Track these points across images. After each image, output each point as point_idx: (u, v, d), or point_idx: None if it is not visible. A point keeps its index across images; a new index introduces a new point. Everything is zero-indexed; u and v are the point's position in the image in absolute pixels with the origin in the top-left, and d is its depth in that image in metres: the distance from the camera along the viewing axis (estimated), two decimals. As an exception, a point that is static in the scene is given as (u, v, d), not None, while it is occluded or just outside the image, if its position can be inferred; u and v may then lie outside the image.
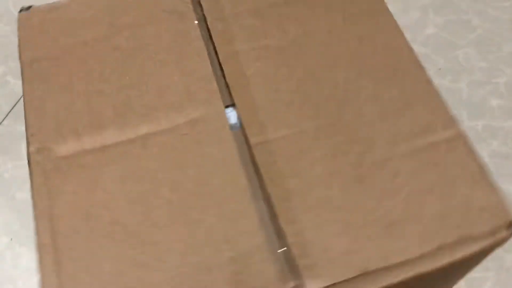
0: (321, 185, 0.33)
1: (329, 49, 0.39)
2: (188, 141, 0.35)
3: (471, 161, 0.34)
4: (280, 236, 0.32)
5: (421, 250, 0.30)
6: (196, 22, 0.40)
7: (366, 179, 0.33)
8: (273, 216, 0.32)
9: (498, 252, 0.55)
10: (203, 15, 0.41)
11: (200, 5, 0.41)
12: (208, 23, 0.40)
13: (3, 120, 0.66)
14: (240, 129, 0.36)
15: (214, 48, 0.39)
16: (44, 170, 0.34)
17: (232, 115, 0.37)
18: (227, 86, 0.38)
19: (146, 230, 0.32)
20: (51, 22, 0.41)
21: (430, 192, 0.33)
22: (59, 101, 0.37)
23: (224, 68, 0.38)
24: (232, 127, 0.36)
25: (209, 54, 0.39)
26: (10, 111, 0.66)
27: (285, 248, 0.31)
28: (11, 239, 0.59)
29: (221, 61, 0.38)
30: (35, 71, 0.39)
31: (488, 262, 0.55)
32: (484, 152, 0.62)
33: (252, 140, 0.35)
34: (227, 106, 0.37)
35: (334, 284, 0.29)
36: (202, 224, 0.32)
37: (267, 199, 0.33)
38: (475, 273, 0.54)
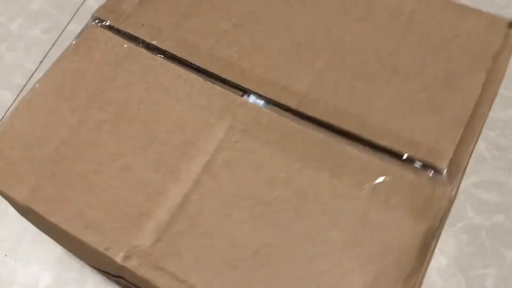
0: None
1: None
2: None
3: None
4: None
5: None
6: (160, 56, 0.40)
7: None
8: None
9: (498, 248, 0.53)
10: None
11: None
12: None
13: None
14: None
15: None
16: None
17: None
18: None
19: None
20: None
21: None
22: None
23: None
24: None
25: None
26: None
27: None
28: (6, 255, 0.58)
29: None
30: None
31: (488, 258, 0.54)
32: (481, 144, 0.61)
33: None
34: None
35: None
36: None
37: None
38: (475, 270, 0.53)
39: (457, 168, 0.33)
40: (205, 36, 0.40)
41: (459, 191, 0.32)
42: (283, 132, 0.35)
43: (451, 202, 0.32)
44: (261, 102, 0.37)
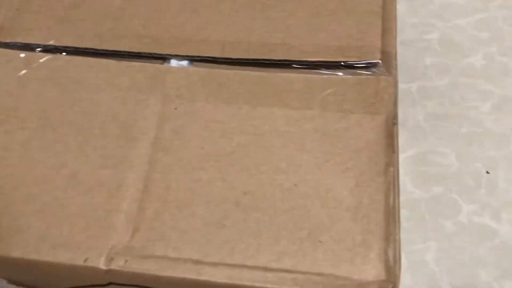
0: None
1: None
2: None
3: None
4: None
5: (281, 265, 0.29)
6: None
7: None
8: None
9: (437, 220, 0.53)
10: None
11: None
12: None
13: None
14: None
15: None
16: None
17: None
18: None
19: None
20: None
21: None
22: None
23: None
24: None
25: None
26: None
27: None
28: None
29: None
30: None
31: (428, 232, 0.52)
32: (419, 115, 0.59)
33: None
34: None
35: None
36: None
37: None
38: (415, 245, 0.52)
39: (389, 56, 0.34)
40: (101, 19, 0.37)
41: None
42: (218, 83, 0.34)
43: (396, 88, 0.33)
44: (184, 63, 0.36)
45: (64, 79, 0.35)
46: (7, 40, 0.37)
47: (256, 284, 0.28)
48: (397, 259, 0.28)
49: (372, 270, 0.28)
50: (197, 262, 0.29)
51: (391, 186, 0.30)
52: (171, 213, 0.30)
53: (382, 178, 0.30)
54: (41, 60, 0.36)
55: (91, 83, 0.35)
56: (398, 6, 0.36)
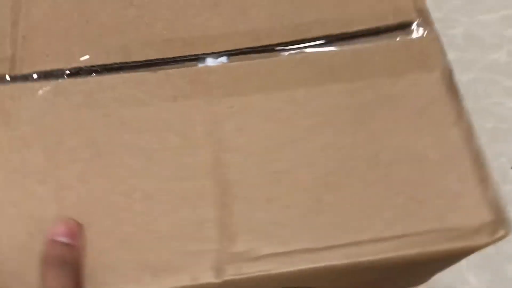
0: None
1: None
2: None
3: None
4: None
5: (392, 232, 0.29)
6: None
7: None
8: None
9: None
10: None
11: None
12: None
13: None
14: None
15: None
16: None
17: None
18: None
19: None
20: None
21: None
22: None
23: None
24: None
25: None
26: None
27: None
28: None
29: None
30: None
31: None
32: None
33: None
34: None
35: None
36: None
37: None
38: None
39: (424, 13, 0.35)
40: (121, 31, 0.35)
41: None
42: (264, 72, 0.34)
43: (441, 41, 0.34)
44: (223, 59, 0.35)
45: (102, 100, 0.33)
46: (25, 72, 0.33)
47: (378, 257, 0.28)
48: (499, 199, 0.29)
49: (480, 215, 0.29)
50: (310, 250, 0.28)
51: (470, 132, 0.31)
52: (262, 210, 0.30)
53: (458, 127, 0.31)
54: (70, 86, 0.33)
55: (133, 99, 0.33)
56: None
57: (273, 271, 0.28)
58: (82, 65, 0.34)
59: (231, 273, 0.28)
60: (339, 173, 0.30)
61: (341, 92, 0.33)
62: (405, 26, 0.35)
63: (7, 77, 0.33)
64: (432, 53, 0.34)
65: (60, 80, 0.33)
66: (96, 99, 0.33)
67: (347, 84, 0.33)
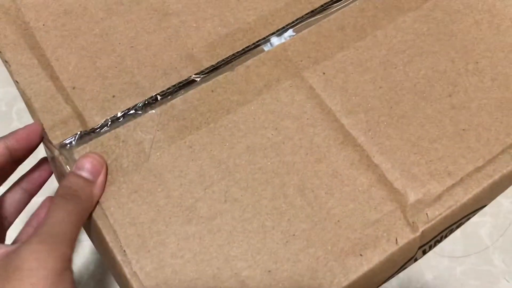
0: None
1: None
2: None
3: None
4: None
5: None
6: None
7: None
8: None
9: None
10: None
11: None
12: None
13: None
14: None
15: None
16: None
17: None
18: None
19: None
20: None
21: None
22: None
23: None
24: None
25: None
26: None
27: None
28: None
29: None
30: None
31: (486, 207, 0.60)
32: None
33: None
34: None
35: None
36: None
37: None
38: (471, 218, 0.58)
39: None
40: (172, 43, 0.32)
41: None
42: (336, 29, 0.33)
43: None
44: (290, 32, 0.33)
45: (200, 117, 0.30)
46: (99, 121, 0.29)
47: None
48: None
49: None
50: (476, 170, 0.29)
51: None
52: (410, 153, 0.29)
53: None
54: (157, 117, 0.30)
55: (230, 103, 0.30)
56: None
57: (459, 202, 0.28)
58: (156, 91, 0.30)
59: (424, 221, 0.28)
60: (459, 91, 0.31)
61: (414, 20, 0.33)
62: None
63: (89, 130, 0.29)
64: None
65: (141, 116, 0.30)
66: (192, 118, 0.30)
67: (414, 12, 0.33)
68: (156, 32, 0.32)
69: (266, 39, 0.33)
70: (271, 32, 0.33)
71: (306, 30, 0.33)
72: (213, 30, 0.33)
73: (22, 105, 0.50)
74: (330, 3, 0.34)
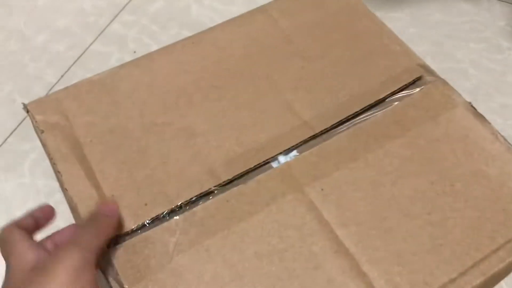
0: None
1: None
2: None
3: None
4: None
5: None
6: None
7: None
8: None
9: None
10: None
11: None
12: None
13: (7, 137, 0.66)
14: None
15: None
16: None
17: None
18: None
19: None
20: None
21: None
22: None
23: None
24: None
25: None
26: (15, 129, 0.66)
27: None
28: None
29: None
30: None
31: None
32: None
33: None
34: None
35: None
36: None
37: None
38: None
39: (425, 65, 0.44)
40: (197, 159, 0.39)
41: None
42: (333, 151, 0.39)
43: (447, 82, 0.43)
44: (294, 153, 0.40)
45: (216, 224, 0.36)
46: (134, 226, 0.35)
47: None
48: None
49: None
50: (451, 281, 0.34)
51: (507, 145, 0.39)
52: (396, 265, 0.35)
53: (498, 142, 0.39)
54: (181, 223, 0.36)
55: (241, 213, 0.36)
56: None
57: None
58: (181, 201, 0.37)
59: None
60: (436, 210, 0.37)
61: (400, 146, 0.40)
62: (418, 80, 0.43)
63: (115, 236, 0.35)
64: (449, 93, 0.42)
65: (167, 222, 0.36)
66: (209, 224, 0.36)
67: (400, 139, 0.40)
68: (184, 150, 0.39)
69: (274, 158, 0.39)
70: (279, 152, 0.40)
71: (308, 151, 0.40)
72: (231, 149, 0.39)
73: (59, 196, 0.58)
74: (329, 129, 0.41)
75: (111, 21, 0.77)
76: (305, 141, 0.40)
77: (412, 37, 0.75)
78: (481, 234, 0.36)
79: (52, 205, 0.36)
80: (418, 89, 0.43)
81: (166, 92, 0.43)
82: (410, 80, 0.43)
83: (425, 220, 0.36)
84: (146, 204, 0.37)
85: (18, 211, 0.62)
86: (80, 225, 0.35)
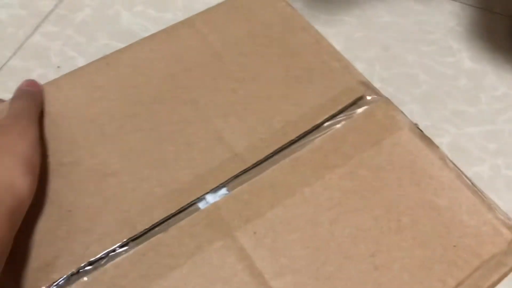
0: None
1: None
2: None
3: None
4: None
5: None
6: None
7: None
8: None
9: None
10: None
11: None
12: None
13: None
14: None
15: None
16: None
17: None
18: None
19: None
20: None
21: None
22: None
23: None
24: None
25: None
26: None
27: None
28: None
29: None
30: None
31: None
32: None
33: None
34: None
35: None
36: None
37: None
38: None
39: (367, 83, 0.40)
40: (108, 208, 0.34)
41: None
42: (267, 186, 0.36)
43: (391, 101, 0.39)
44: (223, 191, 0.35)
45: (131, 283, 0.31)
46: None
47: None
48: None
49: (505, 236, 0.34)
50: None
51: (457, 171, 0.36)
52: None
53: (447, 168, 0.36)
54: (88, 286, 0.31)
55: (163, 267, 0.32)
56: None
57: None
58: (88, 259, 0.32)
59: None
60: (381, 250, 0.33)
61: (340, 177, 0.36)
62: (359, 100, 0.39)
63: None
64: (393, 114, 0.39)
65: (74, 284, 0.31)
66: (122, 285, 0.31)
67: (341, 168, 0.36)
68: (93, 195, 0.34)
69: (201, 198, 0.35)
70: (206, 191, 0.35)
71: (238, 188, 0.35)
72: (149, 191, 0.35)
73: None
74: (262, 160, 0.37)
75: (32, 33, 0.70)
76: (235, 176, 0.36)
77: (360, 42, 0.72)
78: (432, 277, 0.32)
79: None
80: (359, 110, 0.39)
81: (75, 124, 0.38)
82: (350, 101, 0.39)
83: (369, 263, 0.33)
84: (47, 265, 0.32)
85: None
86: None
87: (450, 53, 0.72)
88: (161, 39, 0.43)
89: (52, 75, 0.65)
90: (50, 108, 0.39)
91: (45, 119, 0.38)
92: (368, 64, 0.69)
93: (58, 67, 0.67)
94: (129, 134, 0.37)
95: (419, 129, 0.38)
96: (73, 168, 0.36)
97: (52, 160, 0.36)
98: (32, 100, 0.38)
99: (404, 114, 0.39)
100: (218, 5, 0.46)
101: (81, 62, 0.68)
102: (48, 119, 0.38)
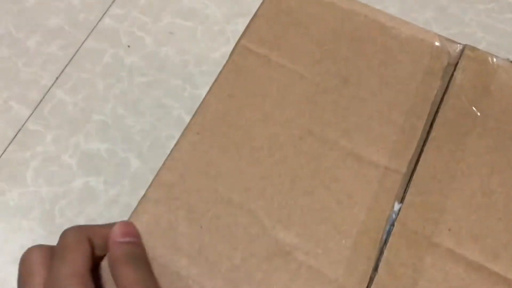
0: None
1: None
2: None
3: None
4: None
5: None
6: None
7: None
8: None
9: None
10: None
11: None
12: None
13: (8, 146, 0.65)
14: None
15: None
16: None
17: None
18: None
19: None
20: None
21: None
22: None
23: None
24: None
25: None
26: (14, 137, 0.65)
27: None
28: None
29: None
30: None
31: None
32: None
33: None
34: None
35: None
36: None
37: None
38: None
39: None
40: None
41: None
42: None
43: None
44: (396, 207, 0.36)
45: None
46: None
47: None
48: None
49: None
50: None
51: None
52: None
53: None
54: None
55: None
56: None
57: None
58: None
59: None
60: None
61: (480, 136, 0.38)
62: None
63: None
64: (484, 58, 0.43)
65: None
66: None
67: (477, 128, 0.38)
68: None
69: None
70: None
71: (408, 196, 0.35)
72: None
73: (64, 202, 0.59)
74: (411, 160, 0.37)
75: (102, 16, 0.73)
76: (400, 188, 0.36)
77: (415, 3, 0.75)
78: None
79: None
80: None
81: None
82: (445, 64, 0.41)
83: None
84: None
85: (24, 221, 0.62)
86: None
87: (509, 9, 0.75)
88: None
89: (122, 54, 0.69)
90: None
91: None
92: (425, 25, 0.71)
93: (129, 46, 0.71)
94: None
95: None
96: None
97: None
98: (145, 266, 0.28)
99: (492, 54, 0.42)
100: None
101: (148, 40, 0.72)
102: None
